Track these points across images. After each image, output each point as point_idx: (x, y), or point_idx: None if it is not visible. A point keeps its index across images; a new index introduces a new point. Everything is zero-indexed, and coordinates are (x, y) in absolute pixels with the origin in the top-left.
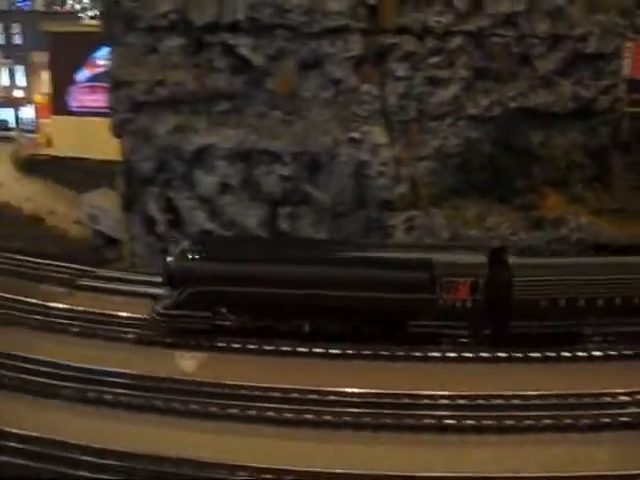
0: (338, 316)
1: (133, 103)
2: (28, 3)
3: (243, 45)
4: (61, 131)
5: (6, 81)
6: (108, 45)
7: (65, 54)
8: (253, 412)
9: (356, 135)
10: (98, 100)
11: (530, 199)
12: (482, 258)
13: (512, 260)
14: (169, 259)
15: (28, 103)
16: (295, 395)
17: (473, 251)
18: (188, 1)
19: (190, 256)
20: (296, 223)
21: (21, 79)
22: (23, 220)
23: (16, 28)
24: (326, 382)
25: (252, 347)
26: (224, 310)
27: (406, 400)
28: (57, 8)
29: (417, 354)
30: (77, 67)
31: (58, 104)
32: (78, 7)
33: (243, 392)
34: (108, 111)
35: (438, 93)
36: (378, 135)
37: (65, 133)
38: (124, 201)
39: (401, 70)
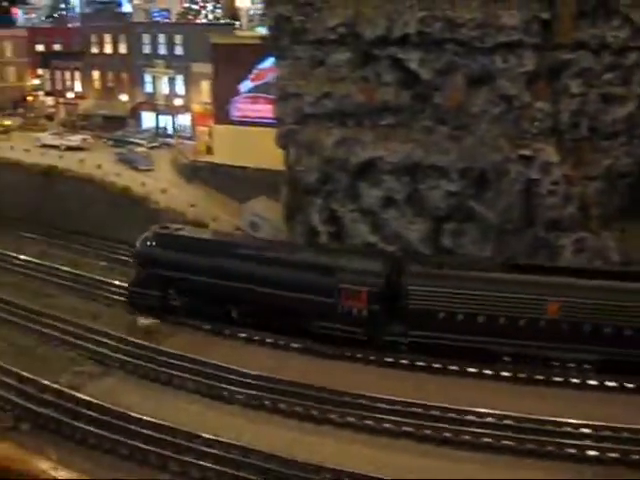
0: (258, 308)
1: (300, 115)
2: (165, 14)
3: (412, 59)
4: (221, 139)
5: (166, 90)
6: (275, 58)
7: (229, 65)
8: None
9: (527, 152)
10: (259, 111)
11: None
12: (383, 267)
13: (410, 270)
14: (137, 244)
15: (186, 111)
16: (435, 412)
17: (376, 259)
18: (358, 15)
19: (149, 243)
20: (460, 240)
21: (180, 88)
22: (188, 224)
23: (178, 39)
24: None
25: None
26: (171, 291)
27: (549, 427)
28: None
29: (557, 379)
30: (240, 78)
31: (220, 113)
32: (211, 17)
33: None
34: (269, 121)
35: (612, 111)
36: (549, 153)
37: (225, 142)
38: (287, 210)
39: (575, 87)
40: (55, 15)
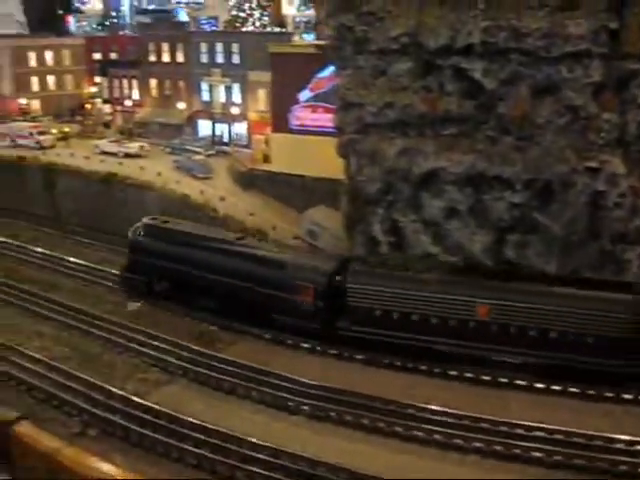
0: (227, 299)
1: (361, 124)
2: (213, 22)
3: (475, 69)
4: (280, 148)
5: (223, 98)
6: (337, 67)
7: (287, 74)
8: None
9: (593, 164)
10: (318, 120)
11: None
12: (329, 265)
13: (351, 269)
14: (129, 232)
15: (242, 119)
16: (485, 425)
17: (325, 258)
18: (420, 25)
19: (138, 232)
20: (523, 252)
21: (237, 96)
22: (247, 232)
23: (235, 48)
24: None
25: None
26: (154, 277)
27: (599, 442)
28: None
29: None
30: (299, 87)
31: (278, 122)
32: (258, 24)
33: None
34: (327, 130)
35: None
36: (616, 165)
37: (283, 150)
38: (347, 220)
39: None
40: (106, 23)
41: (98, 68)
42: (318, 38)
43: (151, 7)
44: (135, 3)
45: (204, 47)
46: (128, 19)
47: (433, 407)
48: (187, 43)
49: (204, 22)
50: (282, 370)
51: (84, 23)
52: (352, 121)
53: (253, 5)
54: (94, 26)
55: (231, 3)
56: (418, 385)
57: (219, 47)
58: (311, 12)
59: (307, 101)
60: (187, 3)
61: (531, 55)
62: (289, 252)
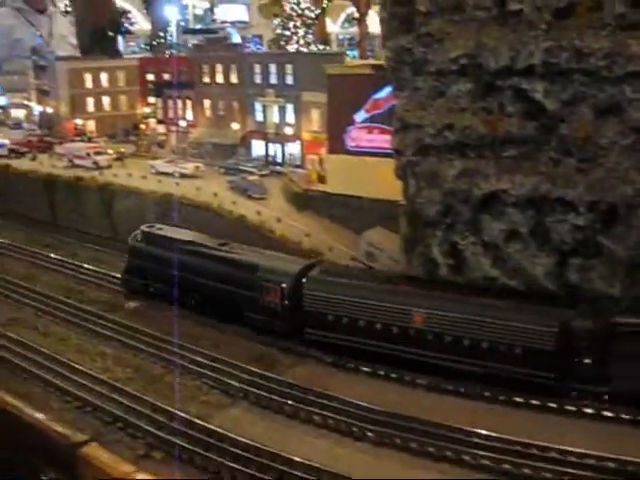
0: (208, 298)
1: (420, 146)
2: (257, 40)
3: (537, 90)
4: (335, 169)
5: (277, 118)
6: (394, 89)
7: (343, 95)
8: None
9: None
10: (374, 141)
11: None
12: (296, 268)
13: (308, 275)
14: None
15: (296, 140)
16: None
17: (292, 262)
18: (479, 46)
19: (137, 238)
20: (587, 275)
21: (290, 117)
22: (303, 253)
23: (289, 69)
24: None
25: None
26: (149, 279)
27: None
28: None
29: None
30: (355, 108)
31: (334, 143)
32: (302, 42)
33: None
34: (384, 151)
35: None
36: None
37: (339, 171)
38: (406, 242)
39: None
40: (154, 43)
41: (152, 89)
42: (361, 55)
43: (198, 27)
44: (182, 23)
45: (258, 68)
46: (175, 39)
47: (497, 435)
48: (241, 64)
49: (250, 44)
50: (344, 394)
51: (132, 43)
52: (410, 143)
53: (298, 23)
54: (142, 46)
55: (276, 22)
56: (481, 411)
57: (273, 68)
58: (354, 29)
59: (363, 122)
60: (232, 22)
61: (593, 75)
62: (262, 256)
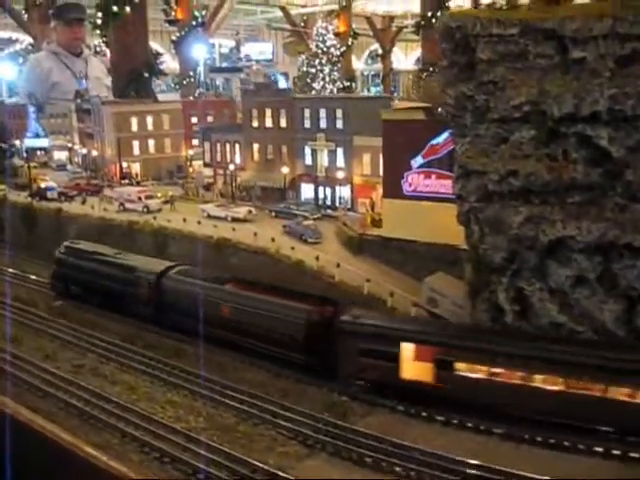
0: (109, 297)
1: (483, 192)
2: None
3: (601, 136)
4: (392, 213)
5: (326, 162)
6: (455, 135)
7: (400, 140)
8: None
9: None
10: (431, 185)
11: None
12: (160, 268)
13: (168, 274)
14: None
15: (346, 183)
16: None
17: (158, 263)
18: (543, 93)
19: (61, 251)
20: None
21: (340, 160)
22: (363, 299)
23: (339, 113)
24: None
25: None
26: (70, 283)
27: None
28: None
29: None
30: (411, 153)
31: (390, 187)
32: (328, 79)
33: None
34: (441, 196)
35: None
36: None
37: (396, 215)
38: (471, 288)
39: None
40: (183, 82)
41: (200, 132)
42: (385, 91)
43: (224, 65)
44: (208, 62)
45: (307, 112)
46: (202, 77)
47: None
48: (290, 109)
49: (274, 77)
50: (422, 444)
51: (159, 82)
52: (473, 189)
53: (323, 61)
54: (172, 85)
55: (301, 59)
56: (559, 460)
57: (323, 112)
58: (378, 66)
59: (420, 167)
60: (257, 60)
61: None
62: (140, 260)
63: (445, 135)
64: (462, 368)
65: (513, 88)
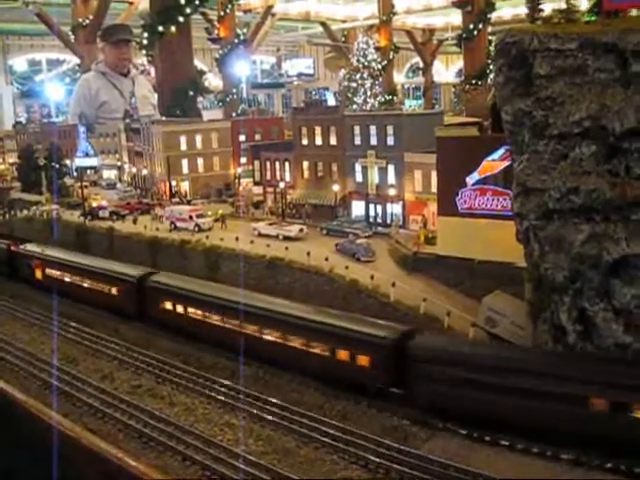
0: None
1: (544, 211)
2: (323, 92)
3: None
4: (446, 231)
5: (377, 179)
6: (512, 152)
7: (454, 157)
8: None
9: None
10: (487, 203)
11: None
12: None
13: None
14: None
15: (398, 200)
16: None
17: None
18: (603, 108)
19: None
20: None
21: (391, 177)
22: (419, 319)
23: (390, 130)
24: None
25: None
26: None
27: None
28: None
29: None
30: (466, 170)
31: (445, 205)
32: (372, 102)
33: None
34: (497, 213)
35: None
36: None
37: (451, 233)
38: (531, 308)
39: None
40: (227, 99)
41: (249, 150)
42: (426, 103)
43: (265, 81)
44: (250, 78)
45: (358, 130)
46: (245, 94)
47: None
48: (340, 126)
49: (315, 93)
50: (488, 470)
51: (203, 99)
52: (533, 207)
53: (364, 75)
54: (215, 102)
55: (341, 74)
56: None
57: (373, 129)
58: (419, 79)
59: (475, 184)
60: (299, 76)
61: None
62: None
63: (501, 151)
64: None
65: (572, 103)
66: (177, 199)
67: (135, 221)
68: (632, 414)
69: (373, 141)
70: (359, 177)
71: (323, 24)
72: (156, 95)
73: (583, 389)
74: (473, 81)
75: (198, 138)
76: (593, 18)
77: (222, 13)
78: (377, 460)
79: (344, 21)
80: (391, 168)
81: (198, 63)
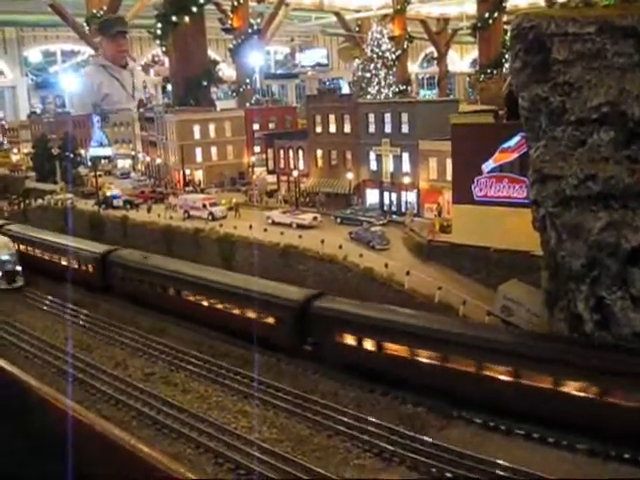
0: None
1: (561, 197)
2: (337, 83)
3: None
4: (462, 219)
5: (391, 167)
6: (528, 139)
7: (469, 145)
8: None
9: None
10: (503, 190)
11: None
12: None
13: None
14: None
15: (412, 188)
16: None
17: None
18: (623, 94)
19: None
20: None
21: (406, 165)
22: (434, 308)
23: (404, 118)
24: None
25: None
26: None
27: None
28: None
29: None
30: (482, 157)
31: (460, 193)
32: (384, 84)
33: None
34: (513, 201)
35: None
36: None
37: (466, 221)
38: (548, 296)
39: None
40: (240, 90)
41: (263, 139)
42: (441, 93)
43: (279, 72)
44: (264, 69)
45: (372, 117)
46: (258, 84)
47: None
48: (354, 114)
49: (328, 83)
50: (504, 459)
51: (216, 90)
52: (550, 194)
53: (378, 65)
54: (228, 93)
55: (355, 64)
56: None
57: (388, 117)
58: (433, 69)
59: (491, 172)
60: (312, 66)
61: None
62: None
63: (517, 138)
64: None
65: (590, 89)
66: (191, 188)
67: (149, 210)
68: None
69: (387, 129)
70: (373, 165)
71: (337, 14)
72: (169, 85)
73: None
74: (488, 71)
75: (212, 127)
76: (612, 2)
77: (235, 3)
78: (391, 448)
79: (358, 11)
80: (406, 156)
81: (212, 53)
